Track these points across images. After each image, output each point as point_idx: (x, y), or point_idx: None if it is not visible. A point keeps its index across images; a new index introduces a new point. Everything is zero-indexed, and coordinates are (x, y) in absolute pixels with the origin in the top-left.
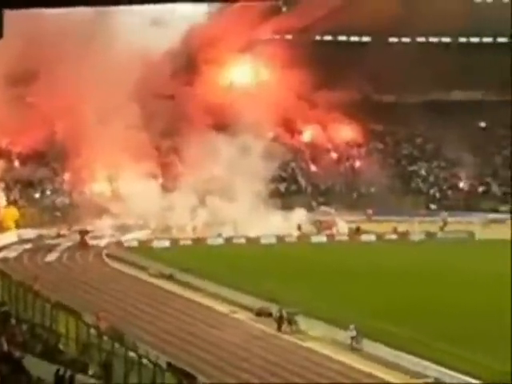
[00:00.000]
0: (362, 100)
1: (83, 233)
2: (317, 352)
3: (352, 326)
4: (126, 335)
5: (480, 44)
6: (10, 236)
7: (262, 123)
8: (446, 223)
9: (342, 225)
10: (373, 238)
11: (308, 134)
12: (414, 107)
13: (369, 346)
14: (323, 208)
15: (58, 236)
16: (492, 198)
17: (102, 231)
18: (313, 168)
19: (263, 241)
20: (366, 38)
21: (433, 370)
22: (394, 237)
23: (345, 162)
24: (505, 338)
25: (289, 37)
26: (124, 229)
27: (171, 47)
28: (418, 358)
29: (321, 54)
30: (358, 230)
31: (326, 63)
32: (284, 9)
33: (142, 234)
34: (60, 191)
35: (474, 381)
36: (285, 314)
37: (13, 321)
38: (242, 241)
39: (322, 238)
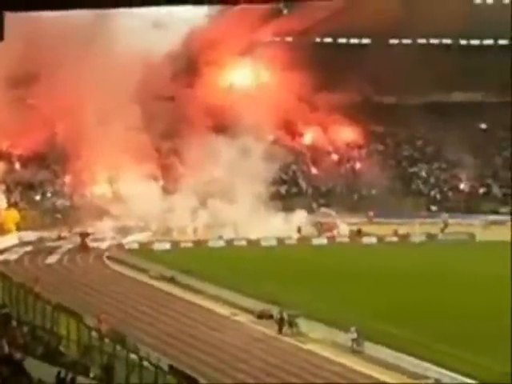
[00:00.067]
0: (363, 102)
1: (84, 235)
2: (317, 354)
3: (353, 329)
4: (128, 337)
5: (480, 46)
6: (11, 238)
7: (263, 125)
8: (446, 225)
9: (343, 227)
10: (374, 239)
11: (309, 136)
12: (415, 109)
13: (370, 347)
14: (324, 210)
15: (59, 238)
16: (492, 200)
17: (103, 233)
18: (313, 170)
19: (264, 243)
20: (366, 40)
21: (433, 371)
22: (394, 239)
23: (345, 163)
24: (505, 339)
25: (289, 39)
26: (125, 231)
27: (172, 49)
28: (418, 360)
29: (321, 56)
30: (359, 232)
31: (327, 65)
32: (285, 11)
33: (142, 236)
34: (61, 193)
35: (474, 382)
36: (286, 317)
37: (14, 323)
38: (243, 243)
39: (323, 240)
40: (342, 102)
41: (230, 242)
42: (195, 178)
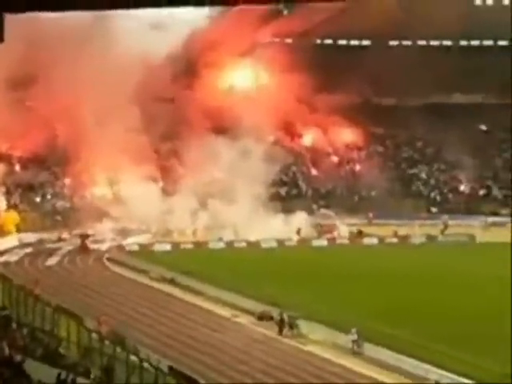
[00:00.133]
0: (363, 103)
1: (84, 237)
2: (318, 355)
3: (354, 330)
4: (128, 339)
5: (480, 47)
6: (11, 240)
7: (263, 127)
8: (446, 226)
9: (343, 228)
10: (374, 241)
11: (308, 137)
12: (415, 110)
13: (370, 349)
14: (324, 211)
15: (59, 240)
16: (493, 201)
17: (103, 235)
18: (313, 171)
19: (264, 244)
20: (366, 42)
21: (433, 372)
22: (394, 240)
23: (345, 165)
24: (505, 340)
25: (289, 40)
26: (125, 232)
27: (171, 51)
28: (418, 361)
29: (321, 57)
30: (360, 234)
31: (327, 67)
32: (285, 12)
33: (142, 238)
34: (61, 195)
35: (473, 383)
36: (286, 318)
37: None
38: (243, 244)
39: (323, 242)
40: (341, 104)
41: (230, 244)
42: (195, 180)
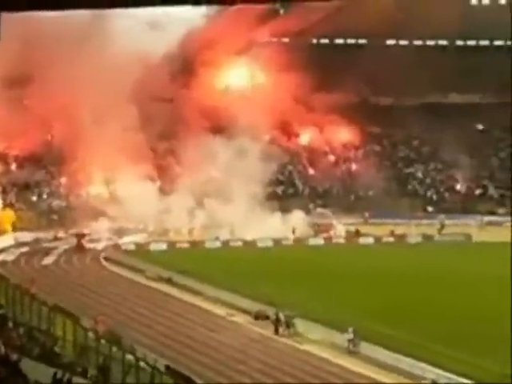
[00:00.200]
0: (359, 103)
1: (80, 236)
2: (314, 355)
3: (350, 329)
4: (124, 338)
5: (477, 47)
6: (7, 239)
7: (259, 126)
8: (443, 225)
9: (340, 227)
10: (370, 240)
11: (305, 136)
12: (411, 110)
13: (366, 348)
14: (320, 210)
15: (55, 239)
16: (489, 201)
17: (99, 234)
18: (310, 171)
19: (260, 244)
20: (362, 41)
21: (430, 372)
22: (391, 239)
23: (342, 164)
24: (504, 340)
25: (286, 40)
26: (121, 232)
27: (168, 50)
28: (415, 361)
29: (318, 56)
30: (357, 233)
31: (323, 66)
32: (281, 11)
33: (139, 237)
34: (57, 194)
35: (472, 382)
36: (282, 317)
37: (10, 324)
38: (239, 244)
39: (320, 241)
40: (338, 103)
41: (226, 243)
42: (192, 179)
